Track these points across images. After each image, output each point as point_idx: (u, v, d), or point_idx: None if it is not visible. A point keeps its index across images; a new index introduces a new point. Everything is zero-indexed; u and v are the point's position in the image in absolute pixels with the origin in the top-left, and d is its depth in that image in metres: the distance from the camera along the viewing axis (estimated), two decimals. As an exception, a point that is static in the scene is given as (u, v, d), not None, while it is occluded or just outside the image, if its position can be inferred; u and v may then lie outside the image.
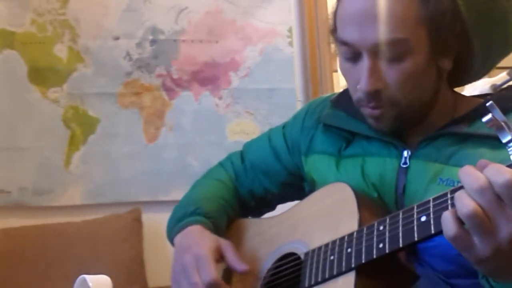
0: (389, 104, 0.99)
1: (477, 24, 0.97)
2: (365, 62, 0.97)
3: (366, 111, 1.02)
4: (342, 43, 0.99)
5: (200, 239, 1.12)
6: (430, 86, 1.01)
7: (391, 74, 0.96)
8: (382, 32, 0.93)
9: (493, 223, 0.73)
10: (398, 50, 0.94)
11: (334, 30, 1.05)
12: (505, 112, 0.79)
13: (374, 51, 0.95)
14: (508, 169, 0.72)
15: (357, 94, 1.01)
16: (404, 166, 1.02)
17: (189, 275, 1.06)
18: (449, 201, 0.79)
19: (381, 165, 1.05)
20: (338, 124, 1.13)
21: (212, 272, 1.04)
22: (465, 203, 0.73)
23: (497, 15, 0.98)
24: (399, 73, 0.96)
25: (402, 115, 1.00)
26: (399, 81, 0.96)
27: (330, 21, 1.06)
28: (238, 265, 1.08)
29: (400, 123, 1.02)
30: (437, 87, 1.02)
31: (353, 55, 0.99)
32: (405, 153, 1.03)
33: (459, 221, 0.74)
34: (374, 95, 0.97)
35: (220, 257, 1.09)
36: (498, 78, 1.88)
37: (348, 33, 0.97)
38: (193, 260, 1.07)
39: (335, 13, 1.03)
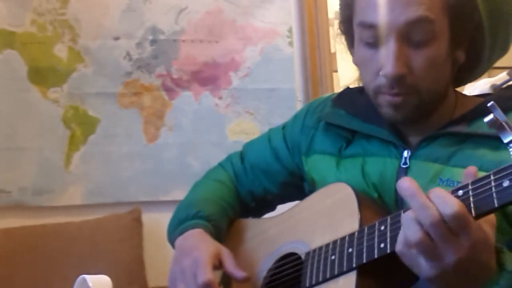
0: (411, 92, 0.98)
1: (490, 20, 0.99)
2: (391, 46, 0.95)
3: (385, 98, 1.00)
4: (367, 26, 0.98)
5: (200, 244, 1.12)
6: (446, 77, 1.01)
7: (416, 59, 0.96)
8: (412, 11, 0.93)
9: (440, 251, 0.77)
10: (425, 32, 0.95)
11: (347, 20, 1.05)
12: (505, 111, 0.79)
13: (401, 33, 0.95)
14: (455, 199, 0.76)
15: (377, 81, 0.99)
16: (404, 166, 1.02)
17: (187, 279, 1.06)
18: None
19: (381, 165, 1.05)
20: (338, 122, 1.13)
21: (207, 273, 1.04)
22: (414, 231, 0.78)
23: (507, 14, 1.00)
24: (424, 58, 0.96)
25: (421, 105, 0.99)
26: (424, 67, 0.96)
27: (342, 11, 1.06)
28: (238, 273, 1.07)
29: (417, 114, 1.01)
30: (449, 81, 1.03)
31: (375, 40, 0.97)
32: (405, 153, 1.03)
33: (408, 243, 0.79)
34: (398, 81, 0.96)
35: (219, 263, 1.09)
36: (498, 78, 1.88)
37: (375, 15, 0.96)
38: (192, 264, 1.07)
39: (351, 1, 1.02)
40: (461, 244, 0.76)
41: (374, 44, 0.98)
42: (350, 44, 1.09)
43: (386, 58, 0.96)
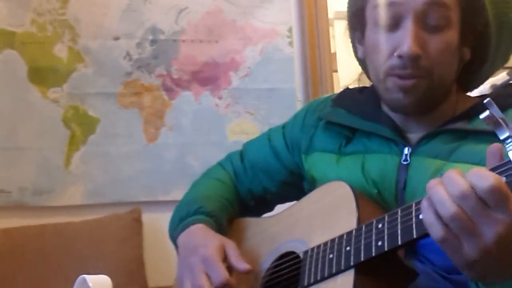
0: (424, 74, 0.99)
1: (496, 23, 1.01)
2: (408, 26, 0.97)
3: (396, 82, 1.00)
4: (385, 6, 1.00)
5: (205, 239, 1.12)
6: (454, 71, 1.03)
7: (431, 43, 0.98)
8: None
9: (477, 226, 0.72)
10: (441, 17, 0.97)
11: (359, 10, 1.07)
12: (503, 109, 0.79)
13: (418, 14, 0.97)
14: (491, 173, 0.72)
15: (390, 62, 1.00)
16: (405, 163, 1.03)
17: (196, 277, 1.06)
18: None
19: (381, 162, 1.05)
20: (339, 121, 1.14)
21: (223, 272, 1.04)
22: (448, 206, 0.73)
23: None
24: (439, 43, 0.98)
25: (430, 91, 1.00)
26: (438, 51, 0.98)
27: (353, 2, 1.09)
28: (240, 264, 1.07)
29: (425, 101, 1.01)
30: (455, 76, 1.04)
31: (393, 22, 0.99)
32: (406, 150, 1.04)
33: (444, 224, 0.74)
34: (413, 60, 0.97)
35: (224, 257, 1.09)
36: (498, 78, 1.89)
37: None
38: (200, 261, 1.07)
39: None
40: (499, 218, 0.71)
41: (390, 26, 1.00)
42: (359, 37, 1.10)
43: (403, 38, 0.98)
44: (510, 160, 0.73)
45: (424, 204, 0.76)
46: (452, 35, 0.99)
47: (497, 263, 0.75)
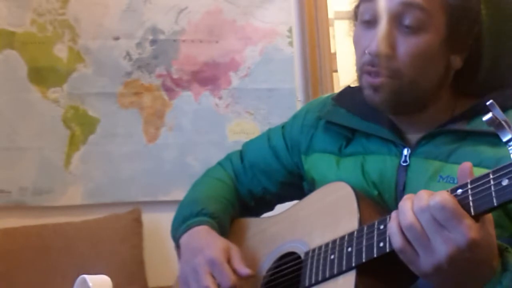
0: (392, 75, 0.98)
1: (493, 33, 0.99)
2: (381, 25, 0.98)
3: (366, 80, 1.01)
4: (366, 2, 1.00)
5: (210, 241, 1.12)
6: (435, 76, 1.01)
7: (403, 44, 0.97)
8: None
9: (431, 242, 0.78)
10: (416, 20, 0.96)
11: (357, 6, 1.07)
12: (504, 109, 0.79)
13: (394, 13, 0.96)
14: (444, 192, 0.78)
15: (363, 59, 1.01)
16: (404, 164, 1.03)
17: (201, 278, 1.06)
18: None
19: (381, 163, 1.05)
20: (339, 121, 1.13)
21: (231, 276, 1.05)
22: (407, 215, 0.80)
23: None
24: (411, 46, 0.97)
25: (400, 94, 1.00)
26: (408, 54, 0.97)
27: None
28: (241, 269, 1.07)
29: (395, 101, 1.01)
30: (441, 83, 1.02)
31: (371, 18, 0.99)
32: (405, 151, 1.03)
33: (404, 234, 0.80)
34: (380, 59, 0.98)
35: (228, 259, 1.09)
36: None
37: None
38: (205, 263, 1.07)
39: None
40: (451, 237, 0.76)
41: (369, 22, 1.00)
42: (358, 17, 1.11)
43: (373, 35, 0.98)
44: (513, 162, 0.74)
45: (393, 215, 0.83)
46: (429, 40, 0.97)
47: (451, 280, 0.80)
